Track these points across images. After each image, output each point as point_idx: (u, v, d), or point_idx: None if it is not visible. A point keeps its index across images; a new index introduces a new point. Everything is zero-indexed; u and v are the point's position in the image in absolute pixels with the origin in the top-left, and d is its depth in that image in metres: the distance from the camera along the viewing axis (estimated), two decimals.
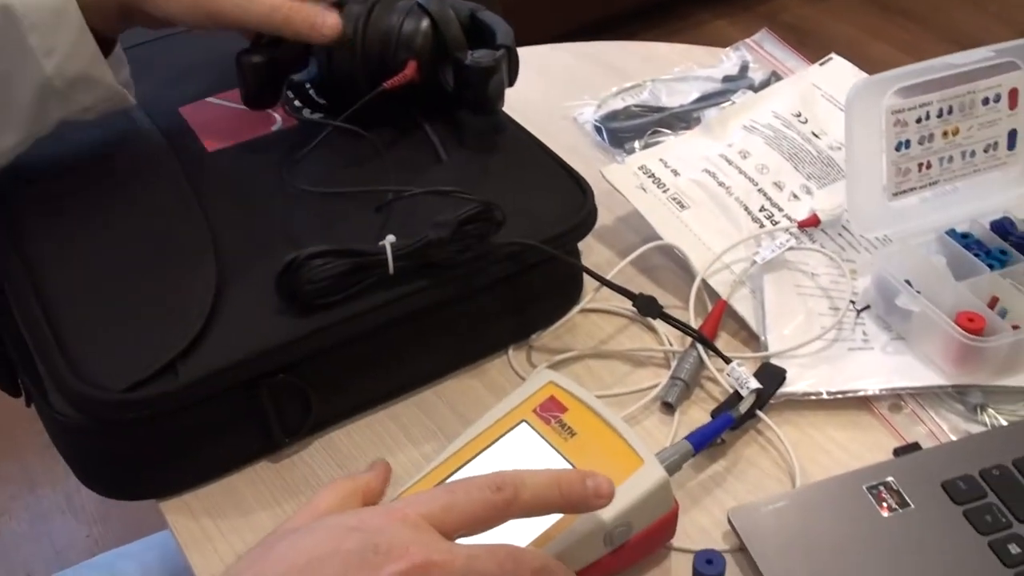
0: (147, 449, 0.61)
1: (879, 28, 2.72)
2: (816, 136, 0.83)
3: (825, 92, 0.87)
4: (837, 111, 0.85)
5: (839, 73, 0.89)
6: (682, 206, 0.77)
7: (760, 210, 0.77)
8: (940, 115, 0.73)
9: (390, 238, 0.63)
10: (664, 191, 0.78)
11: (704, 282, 0.73)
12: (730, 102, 0.89)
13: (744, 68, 0.93)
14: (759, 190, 0.78)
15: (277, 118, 0.77)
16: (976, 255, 0.71)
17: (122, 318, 0.62)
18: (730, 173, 0.79)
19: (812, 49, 2.70)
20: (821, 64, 0.90)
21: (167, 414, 0.59)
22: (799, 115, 0.84)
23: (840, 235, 0.76)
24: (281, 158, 0.72)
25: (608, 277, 0.70)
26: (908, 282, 0.70)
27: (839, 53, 2.65)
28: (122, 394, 0.57)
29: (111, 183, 0.71)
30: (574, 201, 0.71)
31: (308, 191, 0.70)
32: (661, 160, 0.80)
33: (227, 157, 0.73)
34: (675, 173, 0.79)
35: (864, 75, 0.87)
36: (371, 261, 0.62)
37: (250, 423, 0.63)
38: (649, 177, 0.78)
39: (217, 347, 0.60)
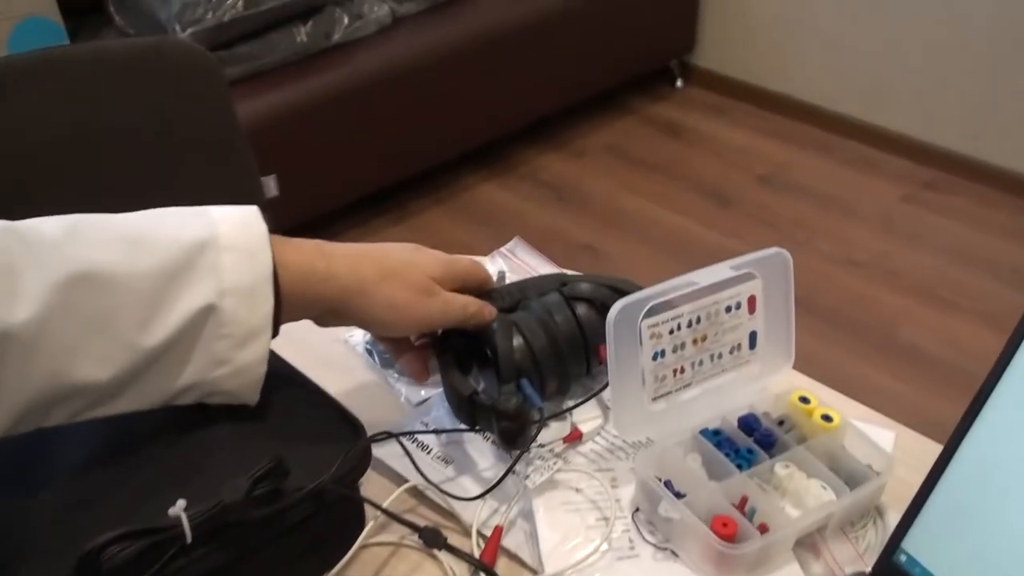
0: None
1: (631, 181, 2.92)
2: None
3: None
4: None
5: None
6: (447, 462, 0.81)
7: None
8: (690, 325, 0.80)
9: (180, 503, 0.63)
10: (428, 453, 0.81)
11: (478, 522, 0.76)
12: None
13: (501, 279, 0.99)
14: None
15: None
16: (727, 454, 0.78)
17: None
18: None
19: (571, 206, 2.87)
20: None
21: None
22: None
23: (600, 443, 0.82)
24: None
25: (384, 506, 0.74)
26: (669, 482, 0.76)
27: (596, 208, 2.83)
28: None
29: None
30: (350, 442, 0.73)
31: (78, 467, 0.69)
32: (423, 423, 0.84)
33: None
34: (436, 432, 0.83)
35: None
36: (168, 536, 0.62)
37: None
38: (413, 441, 0.82)
39: None
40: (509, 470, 0.76)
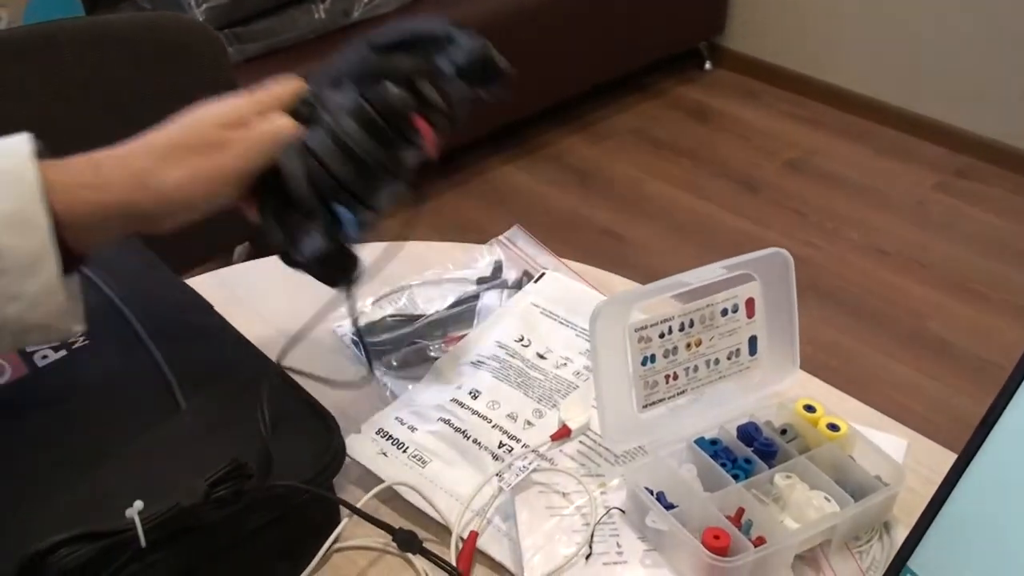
0: None
1: (654, 166, 2.86)
2: (542, 357, 0.84)
3: (544, 309, 0.89)
4: (558, 326, 0.87)
5: (554, 287, 0.92)
6: (423, 462, 0.76)
7: (499, 446, 0.76)
8: (682, 328, 0.75)
9: (137, 505, 0.59)
10: (404, 451, 0.77)
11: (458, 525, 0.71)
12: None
13: (498, 269, 0.95)
14: (494, 426, 0.78)
15: (7, 367, 0.73)
16: (723, 464, 0.73)
17: None
18: (464, 416, 0.78)
19: (594, 190, 2.82)
20: (536, 281, 0.93)
21: None
22: (522, 339, 0.85)
23: (593, 441, 0.77)
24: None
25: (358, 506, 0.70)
26: (662, 494, 0.71)
27: (619, 192, 2.77)
28: None
29: None
30: (322, 440, 0.69)
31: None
32: (397, 419, 0.79)
33: None
34: (412, 429, 0.78)
35: (595, 295, 0.92)
36: (121, 540, 0.58)
37: None
38: (387, 439, 0.77)
39: None
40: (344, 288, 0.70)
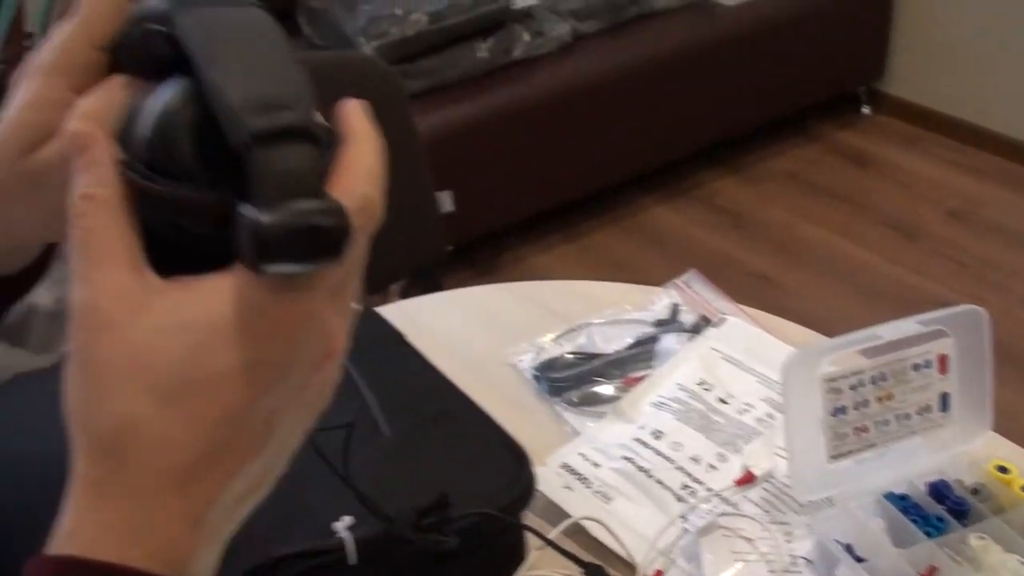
0: None
1: (811, 211, 2.81)
2: (723, 401, 0.85)
3: (725, 354, 0.90)
4: (740, 372, 0.88)
5: (735, 333, 0.92)
6: (607, 498, 0.78)
7: (682, 488, 0.77)
8: (873, 382, 0.74)
9: (346, 520, 0.62)
10: (588, 487, 0.78)
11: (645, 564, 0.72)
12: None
13: (675, 312, 0.96)
14: (677, 468, 0.79)
15: None
16: (914, 520, 0.72)
17: None
18: (647, 455, 0.80)
19: (747, 233, 2.78)
20: (716, 325, 0.93)
21: None
22: (703, 383, 0.86)
23: (777, 488, 0.77)
24: None
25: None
26: (850, 547, 0.71)
27: (773, 236, 2.72)
28: None
29: None
30: (514, 471, 0.71)
31: None
32: (581, 454, 0.81)
33: None
34: (595, 465, 0.80)
35: (775, 342, 0.91)
36: (332, 559, 0.62)
37: None
38: (572, 475, 0.79)
39: None
40: None
